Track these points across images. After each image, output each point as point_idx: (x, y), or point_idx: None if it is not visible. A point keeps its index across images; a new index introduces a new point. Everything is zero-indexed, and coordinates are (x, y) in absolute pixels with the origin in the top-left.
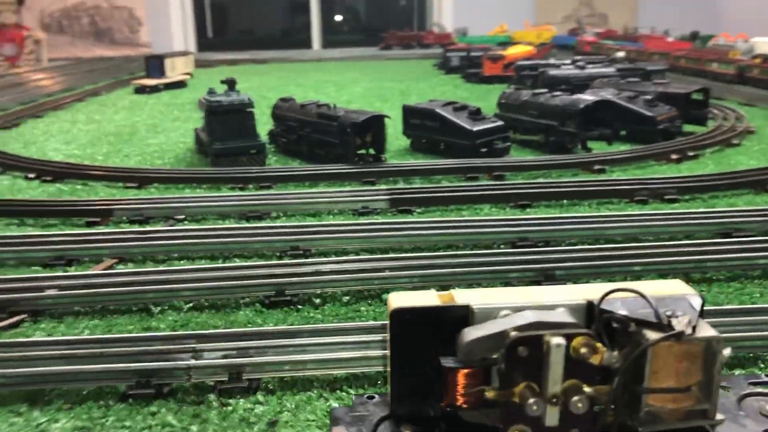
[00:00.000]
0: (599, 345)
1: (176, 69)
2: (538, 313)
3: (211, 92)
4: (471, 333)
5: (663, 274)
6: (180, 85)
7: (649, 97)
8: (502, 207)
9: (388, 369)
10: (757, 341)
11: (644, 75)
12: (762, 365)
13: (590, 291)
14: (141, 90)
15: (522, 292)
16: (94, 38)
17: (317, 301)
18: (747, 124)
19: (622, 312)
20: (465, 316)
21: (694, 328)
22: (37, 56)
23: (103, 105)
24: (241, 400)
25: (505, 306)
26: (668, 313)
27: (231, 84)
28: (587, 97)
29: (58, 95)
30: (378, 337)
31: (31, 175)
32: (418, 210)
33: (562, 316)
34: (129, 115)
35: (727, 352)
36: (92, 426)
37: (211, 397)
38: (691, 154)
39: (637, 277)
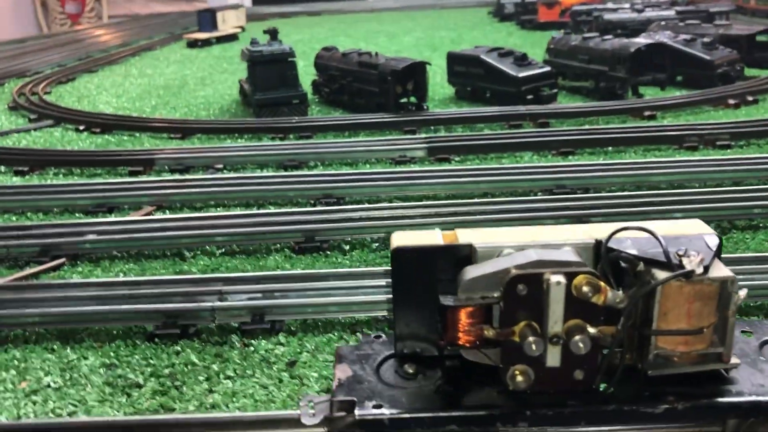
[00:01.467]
0: (602, 284)
1: (227, 22)
2: (541, 251)
3: (253, 42)
4: (471, 271)
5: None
6: (231, 38)
7: (707, 39)
8: (544, 155)
9: (393, 308)
10: None
11: (707, 17)
12: None
13: (600, 230)
14: (193, 44)
15: (529, 231)
16: None
17: (346, 247)
18: None
19: (631, 251)
20: (468, 255)
21: (706, 268)
22: (97, 13)
23: (156, 59)
24: (263, 341)
25: (509, 245)
26: (680, 252)
27: (273, 34)
28: (639, 40)
29: (113, 50)
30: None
31: (81, 127)
32: (456, 158)
33: (566, 254)
34: (179, 69)
35: (743, 293)
36: (119, 363)
37: (234, 337)
38: (750, 98)
39: None
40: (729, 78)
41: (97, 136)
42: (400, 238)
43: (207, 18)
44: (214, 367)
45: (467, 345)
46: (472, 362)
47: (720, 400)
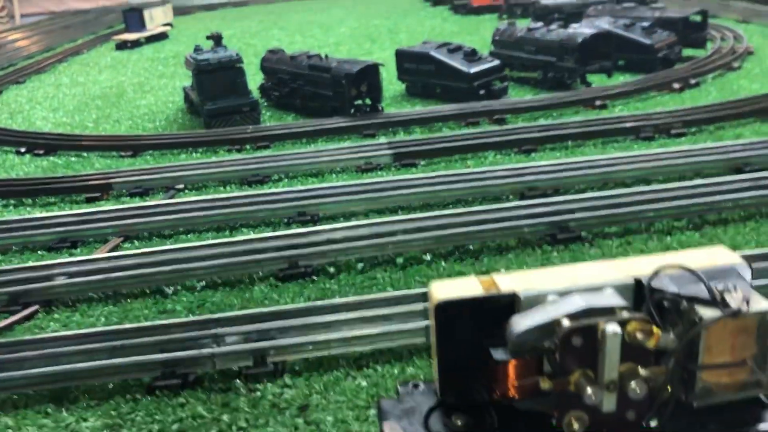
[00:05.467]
0: (654, 328)
1: (156, 20)
2: (587, 296)
3: (197, 49)
4: (520, 323)
5: (677, 218)
6: (161, 37)
7: (646, 24)
8: (507, 153)
9: (434, 359)
10: None
11: None
12: None
13: (635, 267)
14: (122, 46)
15: (565, 272)
16: None
17: (331, 270)
18: (746, 45)
19: (672, 289)
20: (511, 303)
21: (747, 302)
22: (9, 13)
23: (85, 65)
24: (269, 384)
25: (552, 291)
26: (719, 287)
27: (217, 39)
28: (585, 29)
29: (38, 56)
30: (398, 309)
31: (22, 149)
32: (422, 162)
33: (612, 298)
34: (113, 75)
35: None
36: (122, 422)
37: (238, 383)
38: (692, 82)
39: (651, 222)
40: (669, 61)
41: (42, 158)
42: (441, 290)
43: (134, 17)
44: (225, 417)
45: (520, 396)
46: (521, 410)
47: (764, 425)
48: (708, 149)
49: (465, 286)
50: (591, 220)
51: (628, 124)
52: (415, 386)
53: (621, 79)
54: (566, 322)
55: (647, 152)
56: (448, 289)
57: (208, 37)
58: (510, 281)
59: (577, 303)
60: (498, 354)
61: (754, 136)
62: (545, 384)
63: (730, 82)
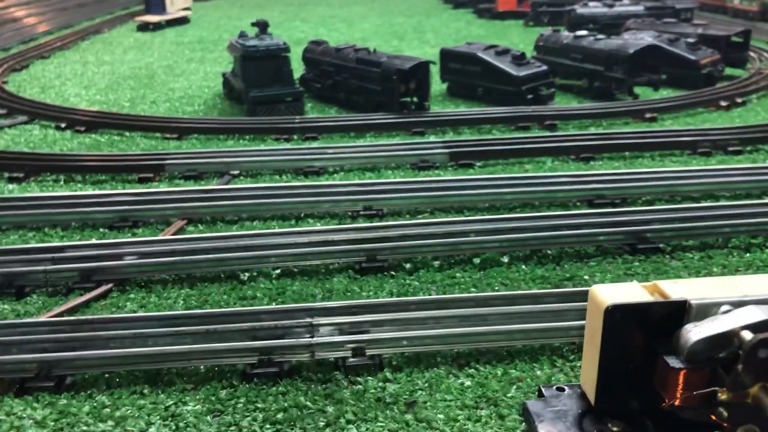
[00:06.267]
0: None
1: (176, 4)
2: (765, 308)
3: (242, 35)
4: (695, 332)
5: (754, 235)
6: (183, 21)
7: (691, 39)
8: (564, 160)
9: (589, 363)
10: None
11: (673, 13)
12: None
13: None
14: (144, 27)
15: (731, 282)
16: None
17: (408, 266)
18: None
19: None
20: (680, 310)
21: None
22: None
23: (109, 44)
24: (369, 378)
25: (724, 300)
26: None
27: (263, 27)
28: (635, 41)
29: (59, 33)
30: (493, 309)
31: (63, 125)
32: (479, 164)
33: None
34: (139, 56)
35: None
36: (224, 408)
37: (338, 375)
38: (739, 100)
39: (728, 238)
40: (712, 78)
41: (83, 135)
42: (607, 294)
43: (156, 0)
44: (330, 409)
45: (689, 405)
46: (678, 419)
47: None
48: None
49: (630, 291)
50: (667, 232)
51: (685, 138)
52: (560, 389)
53: (664, 94)
54: (749, 335)
55: (709, 167)
56: (614, 293)
57: (253, 24)
58: (677, 288)
59: (757, 315)
60: (673, 362)
61: None
62: (724, 395)
63: None
